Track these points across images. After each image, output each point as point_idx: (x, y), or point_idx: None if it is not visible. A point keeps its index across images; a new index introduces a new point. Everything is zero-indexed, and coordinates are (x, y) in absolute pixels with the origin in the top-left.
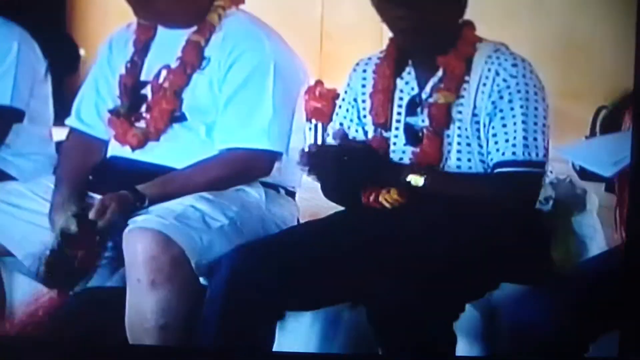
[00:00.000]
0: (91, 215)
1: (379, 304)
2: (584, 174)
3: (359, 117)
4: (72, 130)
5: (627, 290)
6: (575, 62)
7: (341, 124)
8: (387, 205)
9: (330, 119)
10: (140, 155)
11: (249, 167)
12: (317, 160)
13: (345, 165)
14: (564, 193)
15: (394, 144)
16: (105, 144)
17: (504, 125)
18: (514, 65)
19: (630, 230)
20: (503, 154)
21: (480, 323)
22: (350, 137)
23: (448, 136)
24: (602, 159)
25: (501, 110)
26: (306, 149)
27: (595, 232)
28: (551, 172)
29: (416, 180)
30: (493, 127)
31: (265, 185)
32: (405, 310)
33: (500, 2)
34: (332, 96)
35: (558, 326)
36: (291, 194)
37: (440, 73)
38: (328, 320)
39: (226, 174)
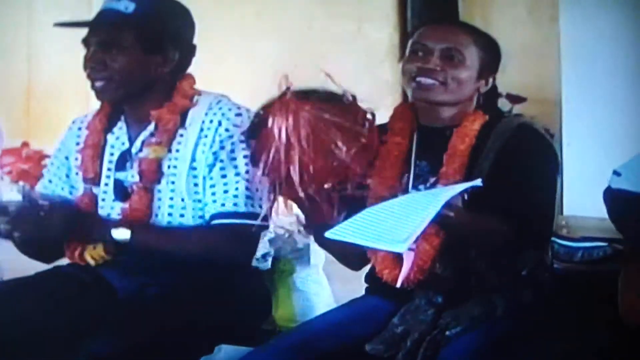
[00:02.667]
0: None
1: None
2: (309, 227)
3: (67, 175)
4: None
5: None
6: None
7: (50, 181)
8: (91, 261)
9: (37, 181)
10: None
11: None
12: (13, 220)
13: (43, 222)
14: (284, 248)
15: (103, 199)
16: None
17: (224, 176)
18: (238, 114)
19: None
20: (222, 205)
21: None
22: (55, 194)
23: (160, 191)
24: (391, 234)
25: (222, 161)
26: None
27: (322, 288)
28: (270, 231)
29: (121, 234)
30: (212, 178)
31: None
32: None
33: (210, 49)
34: (39, 157)
35: None
36: None
37: (151, 127)
38: None
39: None
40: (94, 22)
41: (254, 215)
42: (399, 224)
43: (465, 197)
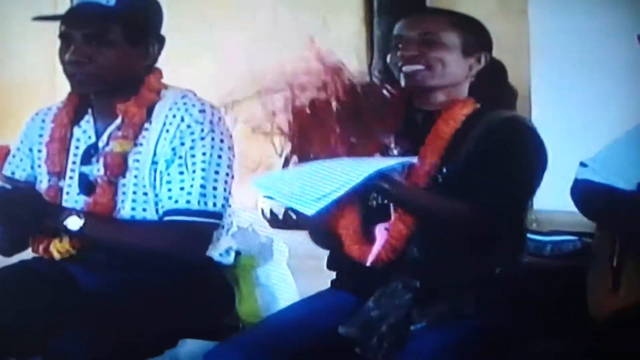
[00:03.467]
0: None
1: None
2: (274, 221)
3: (32, 167)
4: None
5: None
6: None
7: (13, 173)
8: (57, 255)
9: None
10: None
11: None
12: None
13: (7, 206)
14: (247, 243)
15: (67, 193)
16: None
17: (181, 173)
18: (202, 111)
19: None
20: (176, 201)
21: None
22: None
23: (124, 185)
24: (304, 194)
25: (180, 157)
26: None
27: (285, 283)
28: (231, 223)
29: (73, 222)
30: (169, 174)
31: None
32: None
33: (180, 45)
34: (5, 153)
35: None
36: None
37: (118, 121)
38: None
39: None
40: (75, 15)
41: (207, 214)
42: (315, 185)
43: (440, 179)
